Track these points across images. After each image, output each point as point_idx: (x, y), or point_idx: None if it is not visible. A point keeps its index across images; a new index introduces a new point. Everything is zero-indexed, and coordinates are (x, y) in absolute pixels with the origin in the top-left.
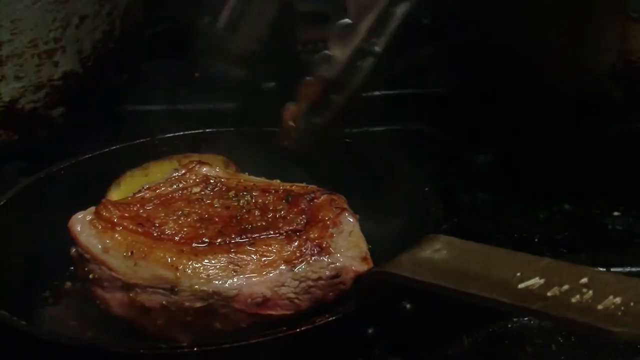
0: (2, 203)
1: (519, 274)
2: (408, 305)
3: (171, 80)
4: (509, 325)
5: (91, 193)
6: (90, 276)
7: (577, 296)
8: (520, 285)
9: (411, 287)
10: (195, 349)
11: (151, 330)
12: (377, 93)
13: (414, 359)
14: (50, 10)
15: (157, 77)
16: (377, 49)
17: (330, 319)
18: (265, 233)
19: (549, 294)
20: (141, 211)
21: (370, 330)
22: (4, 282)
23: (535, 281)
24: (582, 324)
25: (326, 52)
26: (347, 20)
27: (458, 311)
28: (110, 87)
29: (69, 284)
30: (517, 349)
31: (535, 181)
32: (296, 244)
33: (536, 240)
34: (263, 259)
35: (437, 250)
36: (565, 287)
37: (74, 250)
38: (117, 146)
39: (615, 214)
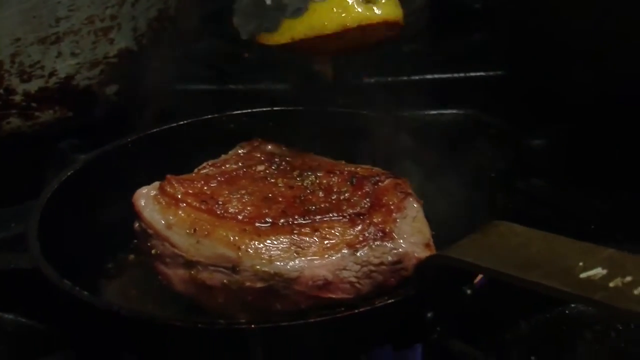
0: (69, 174)
1: (581, 263)
2: (469, 291)
3: (221, 60)
4: (567, 311)
5: (158, 167)
6: (153, 251)
7: None
8: (582, 275)
9: (473, 273)
10: (252, 325)
11: (212, 307)
12: (433, 76)
13: (472, 343)
14: None
15: (208, 57)
16: None
17: (390, 301)
18: (328, 215)
19: (611, 284)
20: (205, 188)
21: (429, 314)
22: (69, 253)
23: (598, 271)
24: None
25: None
26: None
27: (516, 297)
28: (163, 66)
29: (132, 256)
30: (575, 334)
31: (593, 168)
32: (359, 227)
33: (593, 227)
34: (325, 241)
35: (500, 236)
36: (628, 278)
37: (137, 224)
38: (184, 122)
39: None
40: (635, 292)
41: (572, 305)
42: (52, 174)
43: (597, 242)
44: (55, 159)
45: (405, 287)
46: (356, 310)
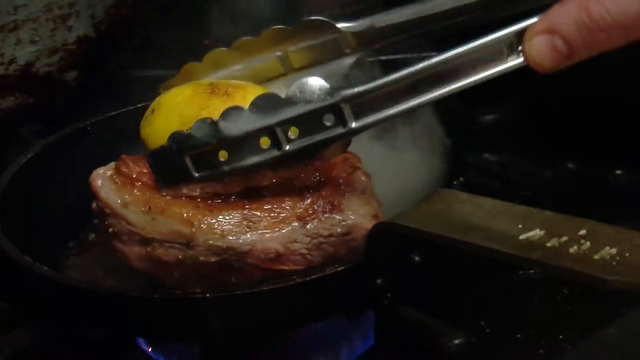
0: (29, 156)
1: (520, 225)
2: (417, 257)
3: (180, 47)
4: (515, 278)
5: (116, 149)
6: (110, 230)
7: (575, 247)
8: (522, 237)
9: (419, 239)
10: (207, 295)
11: (169, 282)
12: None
13: (423, 309)
14: None
15: (167, 44)
16: None
17: (340, 268)
18: (278, 190)
19: (548, 244)
20: None
21: (379, 281)
22: (30, 233)
23: (536, 232)
24: (577, 273)
25: None
26: None
27: (467, 263)
28: (122, 52)
29: (92, 235)
30: (523, 300)
31: (539, 140)
32: (309, 201)
33: (541, 198)
34: (276, 215)
35: (444, 203)
36: (564, 238)
37: (94, 204)
38: (142, 104)
39: (618, 172)
40: (571, 250)
41: (520, 272)
42: (13, 159)
43: (543, 208)
44: (16, 144)
45: (358, 255)
46: (307, 278)
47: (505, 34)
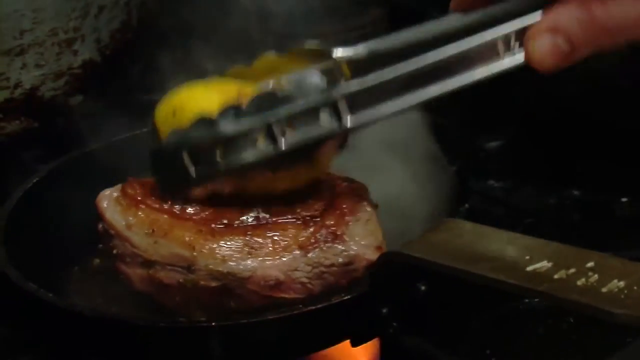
0: (34, 181)
1: (528, 257)
2: (423, 287)
3: (183, 71)
4: (520, 307)
5: (123, 173)
6: (115, 251)
7: (583, 279)
8: (529, 268)
9: (425, 269)
10: (213, 323)
11: (170, 306)
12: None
13: (428, 338)
14: (69, 0)
15: (170, 68)
16: None
17: (346, 297)
18: (282, 218)
19: (555, 276)
20: None
21: (385, 310)
22: (35, 258)
23: (543, 264)
24: (585, 305)
25: None
26: None
27: (472, 292)
28: (127, 77)
29: (97, 261)
30: (528, 328)
31: (544, 168)
32: (311, 229)
33: (545, 224)
34: (278, 243)
35: (450, 233)
36: (572, 270)
37: (100, 226)
38: (147, 129)
39: (623, 199)
40: (579, 282)
41: (526, 300)
42: (16, 184)
43: (549, 237)
44: (20, 169)
45: (360, 285)
46: (313, 307)
47: (503, 31)
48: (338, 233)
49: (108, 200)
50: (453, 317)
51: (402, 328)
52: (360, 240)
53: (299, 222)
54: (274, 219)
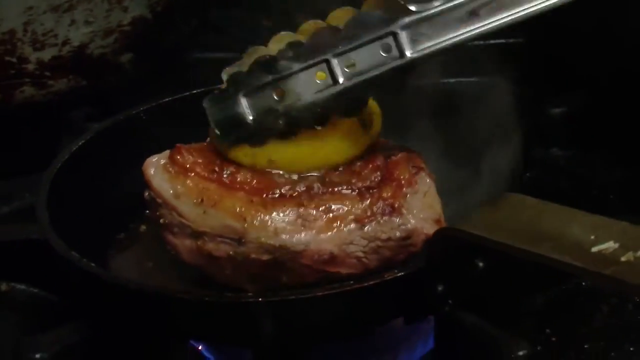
0: (80, 144)
1: (593, 236)
2: (481, 264)
3: (239, 28)
4: (583, 284)
5: (171, 137)
6: (161, 221)
7: None
8: (594, 249)
9: (483, 247)
10: (260, 299)
11: (220, 278)
12: None
13: (485, 316)
14: None
15: (226, 25)
16: None
17: (399, 274)
18: (337, 188)
19: (622, 259)
20: (215, 157)
21: (440, 287)
22: (80, 223)
23: (610, 245)
24: None
25: None
26: None
27: (532, 269)
28: (178, 34)
29: (143, 227)
30: (591, 307)
31: (612, 137)
32: (368, 202)
33: (611, 197)
34: (333, 215)
35: (511, 209)
36: None
37: (146, 193)
38: (197, 90)
39: None
40: None
41: None
42: (67, 143)
43: (615, 212)
44: (70, 128)
45: (416, 260)
46: (365, 284)
47: None
48: (395, 206)
49: (155, 167)
50: (512, 295)
51: (458, 306)
52: (418, 213)
53: (354, 194)
54: (328, 190)
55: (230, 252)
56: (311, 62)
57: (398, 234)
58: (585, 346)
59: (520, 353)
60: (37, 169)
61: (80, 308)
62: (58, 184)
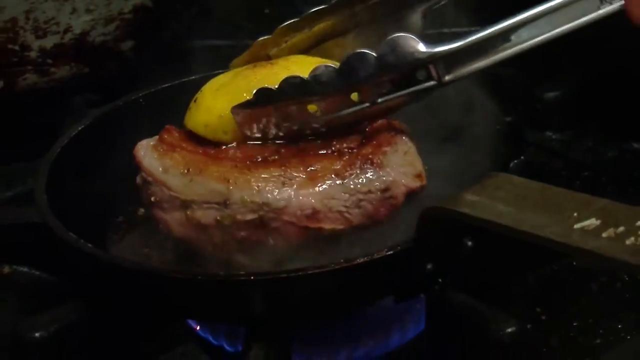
0: (79, 129)
1: (575, 214)
2: (469, 243)
3: (239, 16)
4: (574, 263)
5: (169, 122)
6: (152, 199)
7: (632, 238)
8: (576, 226)
9: (471, 225)
10: (252, 277)
11: (210, 250)
12: (450, 30)
13: (476, 295)
14: None
15: (225, 13)
16: None
17: (389, 252)
18: (320, 151)
19: (604, 235)
20: (203, 139)
21: (429, 266)
22: (79, 207)
23: (591, 222)
24: (634, 266)
25: None
26: None
27: (521, 248)
28: (179, 22)
29: (142, 210)
30: (580, 286)
31: (604, 119)
32: (347, 158)
33: (604, 179)
34: (313, 171)
35: (498, 188)
36: (621, 228)
37: (138, 178)
38: (196, 76)
39: None
40: (627, 242)
41: None
42: (67, 130)
43: (606, 193)
44: (72, 114)
45: (404, 240)
46: (354, 262)
47: None
48: (375, 161)
49: (145, 148)
50: (501, 274)
51: (448, 285)
52: (397, 167)
53: (335, 154)
54: (309, 153)
55: (217, 217)
56: (345, 88)
57: (378, 184)
58: (574, 324)
59: (509, 330)
60: (39, 155)
61: (78, 288)
62: (57, 169)
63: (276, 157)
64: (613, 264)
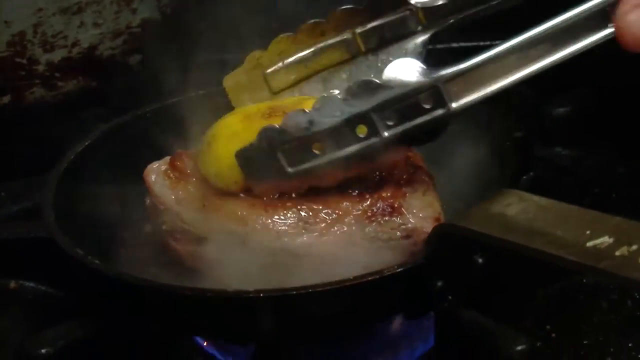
0: (87, 143)
1: (588, 232)
2: (480, 260)
3: (247, 30)
4: (584, 280)
5: (177, 137)
6: (164, 227)
7: None
8: (589, 244)
9: (481, 242)
10: (261, 294)
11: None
12: (456, 45)
13: (486, 312)
14: None
15: (234, 27)
16: None
17: (399, 270)
18: (336, 189)
19: (617, 253)
20: None
21: (439, 283)
22: (85, 222)
23: (604, 240)
24: None
25: None
26: None
27: (532, 266)
28: (187, 35)
29: (148, 226)
30: (591, 303)
31: (614, 135)
32: (368, 202)
33: (614, 195)
34: (333, 217)
35: (509, 205)
36: (634, 247)
37: (148, 200)
38: (204, 91)
39: None
40: None
41: None
42: (75, 143)
43: (617, 210)
44: (79, 128)
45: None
46: (364, 279)
47: (597, 4)
48: (395, 205)
49: (156, 174)
50: (512, 291)
51: (458, 302)
52: (418, 212)
53: (354, 194)
54: (327, 191)
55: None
56: (350, 116)
57: (399, 233)
58: (585, 342)
59: (519, 348)
60: (47, 169)
61: (85, 304)
62: (64, 184)
63: (293, 194)
64: (627, 282)
